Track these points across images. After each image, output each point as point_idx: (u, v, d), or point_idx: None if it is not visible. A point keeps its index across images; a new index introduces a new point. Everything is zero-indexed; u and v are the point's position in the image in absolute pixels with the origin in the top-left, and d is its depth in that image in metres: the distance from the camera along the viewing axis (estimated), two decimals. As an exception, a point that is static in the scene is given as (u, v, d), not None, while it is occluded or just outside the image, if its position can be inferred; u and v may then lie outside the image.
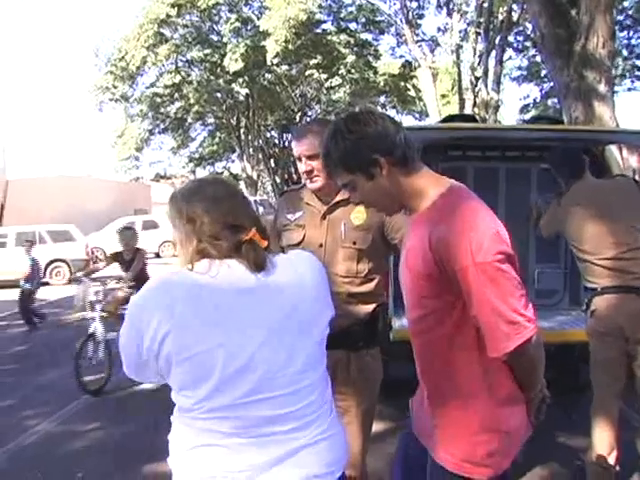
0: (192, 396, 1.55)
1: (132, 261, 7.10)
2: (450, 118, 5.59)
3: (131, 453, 4.62)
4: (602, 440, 3.57)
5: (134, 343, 1.57)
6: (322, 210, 2.79)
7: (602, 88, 8.26)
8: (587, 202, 3.68)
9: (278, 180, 35.11)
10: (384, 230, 2.74)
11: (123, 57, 27.82)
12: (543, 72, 25.26)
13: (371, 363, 2.84)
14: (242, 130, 33.50)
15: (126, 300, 6.89)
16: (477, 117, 9.82)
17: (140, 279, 6.94)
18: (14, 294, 15.14)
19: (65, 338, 9.45)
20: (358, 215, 2.73)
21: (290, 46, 25.59)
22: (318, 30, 29.19)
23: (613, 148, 5.24)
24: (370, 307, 2.79)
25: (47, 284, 17.02)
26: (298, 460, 1.60)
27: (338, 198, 2.76)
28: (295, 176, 28.87)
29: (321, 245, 2.74)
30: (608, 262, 3.53)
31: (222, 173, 38.58)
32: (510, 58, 29.39)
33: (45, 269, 17.23)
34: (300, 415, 1.61)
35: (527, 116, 29.58)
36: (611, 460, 3.55)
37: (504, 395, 1.78)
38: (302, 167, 2.73)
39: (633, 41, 25.13)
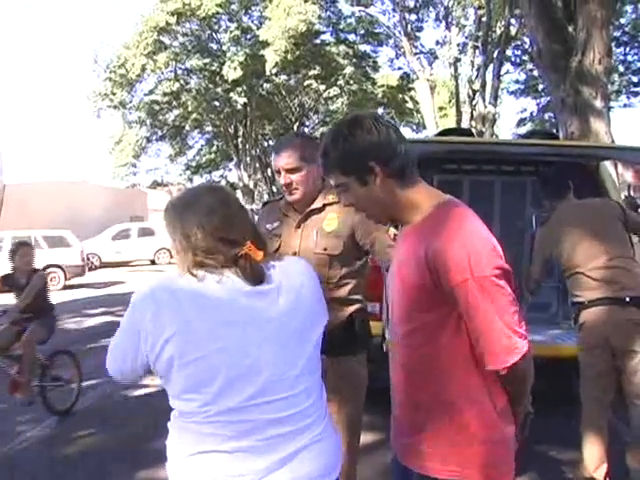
0: (197, 399, 1.57)
1: (28, 286, 5.67)
2: (446, 132, 5.64)
3: (124, 459, 4.61)
4: (592, 454, 3.60)
5: (133, 345, 1.59)
6: (296, 219, 2.89)
7: (598, 104, 8.31)
8: (575, 220, 3.81)
9: (275, 189, 35.16)
10: (355, 236, 2.82)
11: (122, 64, 27.90)
12: (540, 86, 25.47)
13: (355, 369, 2.90)
14: (240, 139, 33.57)
15: (18, 337, 5.61)
16: (473, 131, 9.85)
17: (39, 308, 5.74)
18: (9, 298, 15.14)
19: (60, 343, 9.45)
20: (330, 222, 2.82)
21: (289, 56, 25.72)
22: (317, 41, 29.39)
23: (608, 164, 5.29)
24: (345, 312, 2.85)
25: (42, 289, 17.01)
26: (298, 463, 1.62)
27: (312, 207, 2.86)
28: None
29: (295, 253, 2.81)
30: (596, 272, 3.60)
31: (219, 182, 38.60)
32: (508, 72, 29.61)
33: (40, 274, 17.19)
34: (299, 418, 1.64)
35: (524, 129, 29.73)
36: (601, 474, 3.58)
37: (502, 405, 1.78)
38: (281, 180, 2.82)
39: (629, 57, 25.41)
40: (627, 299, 3.55)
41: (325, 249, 2.80)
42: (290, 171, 2.77)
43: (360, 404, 2.96)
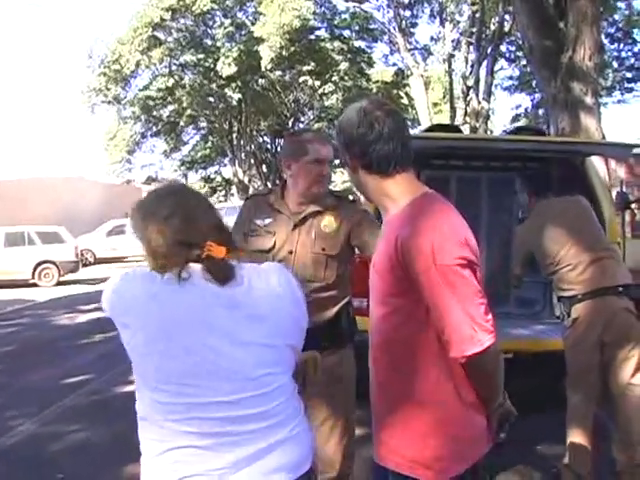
0: (154, 394, 1.62)
1: None
2: (434, 128, 5.66)
3: (114, 455, 4.62)
4: (577, 447, 3.62)
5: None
6: (292, 217, 2.88)
7: (588, 100, 8.36)
8: (558, 217, 3.84)
9: (270, 185, 35.09)
10: (350, 238, 2.85)
11: (117, 59, 27.79)
12: (534, 82, 25.46)
13: (341, 362, 2.89)
14: (234, 135, 33.51)
15: None
16: (462, 127, 9.84)
17: None
18: (2, 294, 15.16)
19: (52, 339, 9.49)
20: (328, 224, 2.85)
21: (284, 52, 25.64)
22: (312, 37, 29.30)
23: (594, 159, 5.31)
24: (334, 309, 2.87)
25: (35, 285, 17.02)
26: (268, 459, 1.65)
27: (309, 210, 2.86)
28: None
29: (291, 252, 2.83)
30: (588, 265, 3.62)
31: (214, 179, 38.61)
32: (502, 68, 29.66)
33: (34, 270, 17.23)
34: (270, 416, 1.66)
35: (517, 125, 29.75)
36: (585, 467, 3.60)
37: (471, 399, 1.79)
38: (322, 170, 2.83)
39: (623, 53, 25.40)
40: (620, 289, 3.59)
41: (323, 249, 2.82)
42: (324, 162, 2.85)
43: (349, 396, 2.96)
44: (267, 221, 2.91)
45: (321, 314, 2.79)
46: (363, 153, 1.84)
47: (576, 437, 3.64)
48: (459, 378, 1.77)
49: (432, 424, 1.78)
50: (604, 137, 8.50)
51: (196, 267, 1.63)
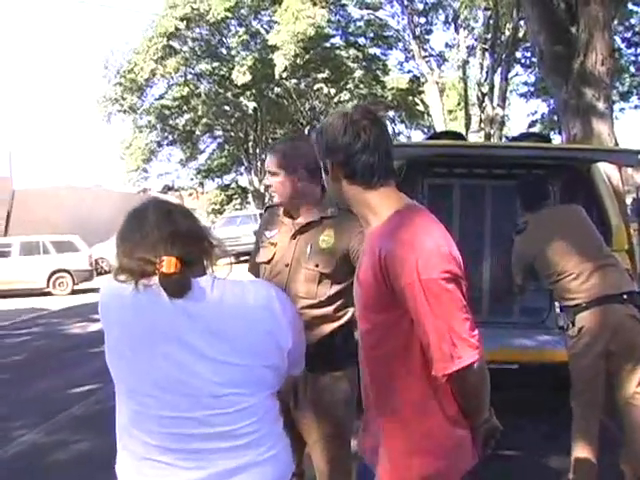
0: (128, 401, 1.67)
1: None
2: (438, 135, 5.61)
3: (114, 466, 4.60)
4: (582, 462, 3.56)
5: None
6: (292, 229, 2.79)
7: (601, 105, 8.23)
8: (556, 227, 3.81)
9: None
10: (350, 257, 2.69)
11: (132, 69, 28.03)
12: (550, 88, 25.28)
13: (333, 384, 2.73)
14: (250, 143, 33.63)
15: None
16: (477, 134, 9.76)
17: None
18: (17, 303, 15.28)
19: (62, 348, 9.54)
20: (326, 238, 2.71)
21: (298, 60, 25.73)
22: (327, 44, 29.37)
23: (602, 166, 5.22)
24: (326, 329, 2.72)
25: (50, 294, 17.13)
26: (240, 478, 1.63)
27: (310, 219, 2.76)
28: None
29: (287, 265, 2.73)
30: (590, 273, 3.58)
31: (230, 185, 38.76)
32: (517, 74, 29.54)
33: (48, 279, 17.36)
34: (235, 436, 1.63)
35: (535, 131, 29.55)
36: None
37: (452, 416, 1.75)
38: (272, 181, 2.76)
39: (640, 58, 25.12)
40: (625, 296, 3.52)
41: (317, 265, 2.69)
42: (272, 174, 2.74)
43: (340, 418, 2.77)
44: (273, 233, 2.85)
45: (312, 333, 2.63)
46: (347, 162, 1.79)
47: (581, 451, 3.58)
48: (444, 393, 1.73)
49: (416, 441, 1.74)
50: (617, 143, 8.37)
51: (156, 280, 1.64)
